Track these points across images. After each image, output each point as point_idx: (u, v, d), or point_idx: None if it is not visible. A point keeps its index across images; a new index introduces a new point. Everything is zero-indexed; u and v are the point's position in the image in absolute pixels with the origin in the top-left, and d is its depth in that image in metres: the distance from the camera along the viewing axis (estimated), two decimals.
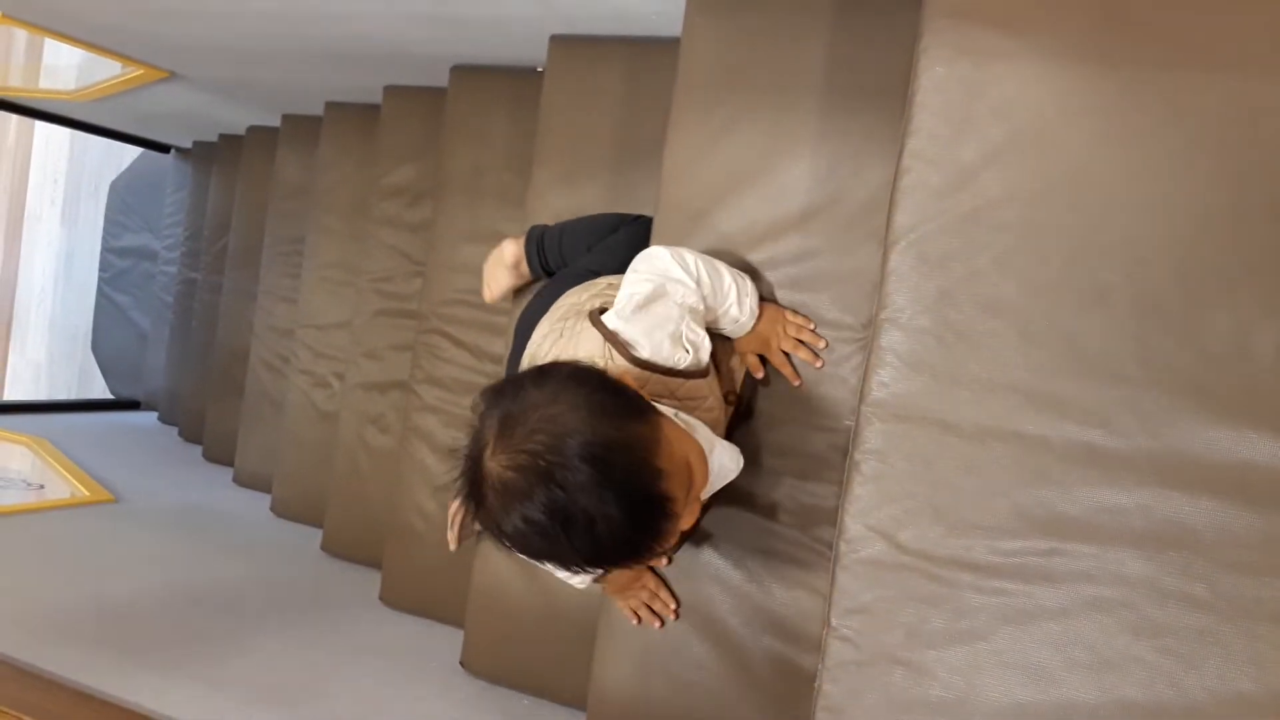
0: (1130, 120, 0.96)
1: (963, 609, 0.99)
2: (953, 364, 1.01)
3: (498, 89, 1.86)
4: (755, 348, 1.20)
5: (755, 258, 1.26)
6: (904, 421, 1.03)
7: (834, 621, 1.04)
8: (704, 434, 1.04)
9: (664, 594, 1.27)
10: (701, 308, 1.10)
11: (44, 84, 2.95)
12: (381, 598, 1.97)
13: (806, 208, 1.25)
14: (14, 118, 3.96)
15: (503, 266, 1.53)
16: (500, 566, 1.60)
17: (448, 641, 1.75)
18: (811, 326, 1.20)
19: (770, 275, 1.25)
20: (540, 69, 1.70)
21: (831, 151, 1.24)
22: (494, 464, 0.87)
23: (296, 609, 1.94)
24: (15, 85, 2.96)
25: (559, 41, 1.62)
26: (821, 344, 1.20)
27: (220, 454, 2.95)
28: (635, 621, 1.28)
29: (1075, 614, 0.95)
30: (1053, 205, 0.98)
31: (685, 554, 1.28)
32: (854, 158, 1.23)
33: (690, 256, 1.12)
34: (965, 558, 0.99)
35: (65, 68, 2.77)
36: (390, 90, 2.18)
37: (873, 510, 1.03)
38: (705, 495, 1.03)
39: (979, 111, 1.01)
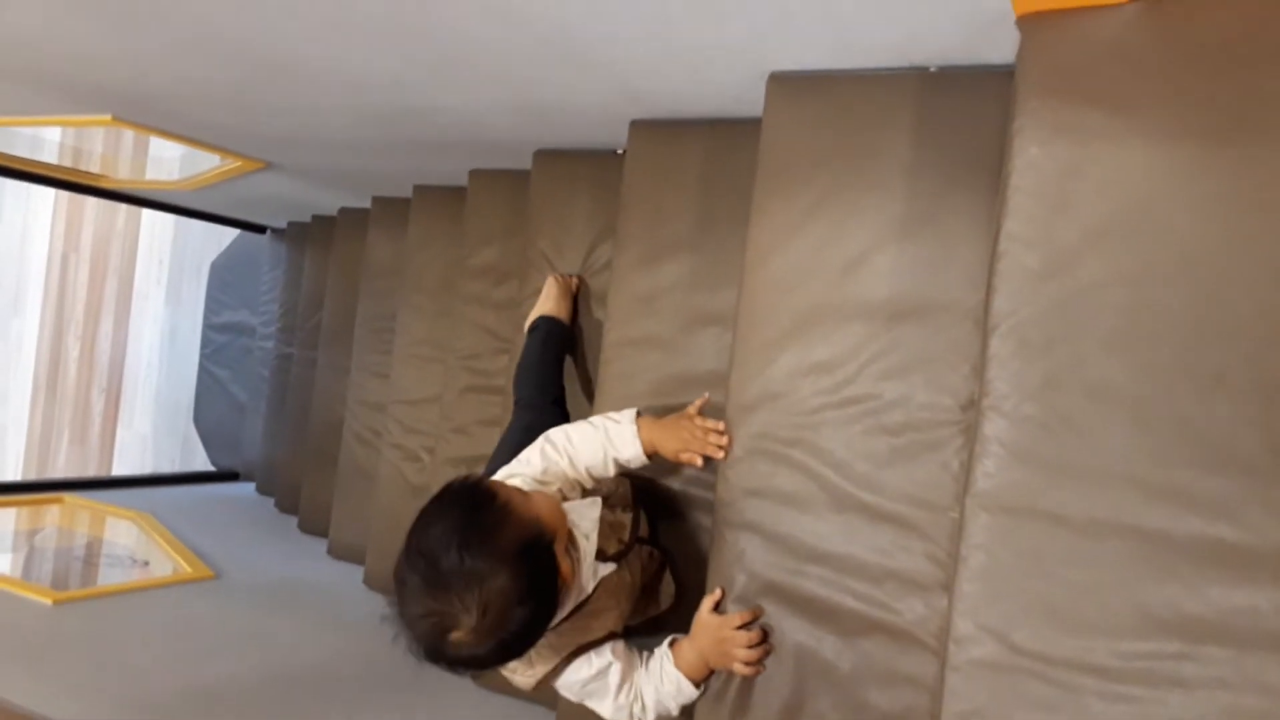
0: (1244, 196, 0.91)
1: (1085, 715, 0.93)
2: (1062, 453, 0.97)
3: (579, 171, 1.88)
4: (672, 456, 1.34)
5: (843, 338, 1.24)
6: (1012, 514, 0.98)
7: None
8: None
9: (754, 638, 1.26)
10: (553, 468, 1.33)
11: (150, 175, 3.10)
12: (474, 678, 1.96)
13: (896, 287, 1.22)
14: (123, 206, 4.17)
15: None
16: None
17: None
18: (693, 411, 1.37)
19: (859, 357, 1.23)
20: (621, 151, 1.72)
21: (920, 231, 1.22)
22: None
23: (392, 688, 1.94)
24: (125, 178, 3.11)
25: (639, 125, 1.63)
26: (724, 441, 1.32)
27: (315, 525, 3.00)
28: (754, 669, 1.27)
29: None
30: (1162, 286, 0.94)
31: (786, 643, 1.24)
32: (944, 237, 1.20)
33: (544, 448, 1.34)
34: (1085, 660, 0.94)
35: (169, 160, 2.91)
36: (475, 174, 2.23)
37: (983, 608, 0.98)
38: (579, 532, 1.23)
39: (1078, 191, 0.97)
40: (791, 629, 1.24)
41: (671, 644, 1.32)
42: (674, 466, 1.47)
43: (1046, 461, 0.97)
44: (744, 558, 1.28)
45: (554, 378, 1.78)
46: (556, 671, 1.25)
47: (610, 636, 1.27)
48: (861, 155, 1.25)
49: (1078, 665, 0.94)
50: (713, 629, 1.28)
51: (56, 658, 1.89)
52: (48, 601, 2.12)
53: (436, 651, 1.06)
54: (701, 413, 1.38)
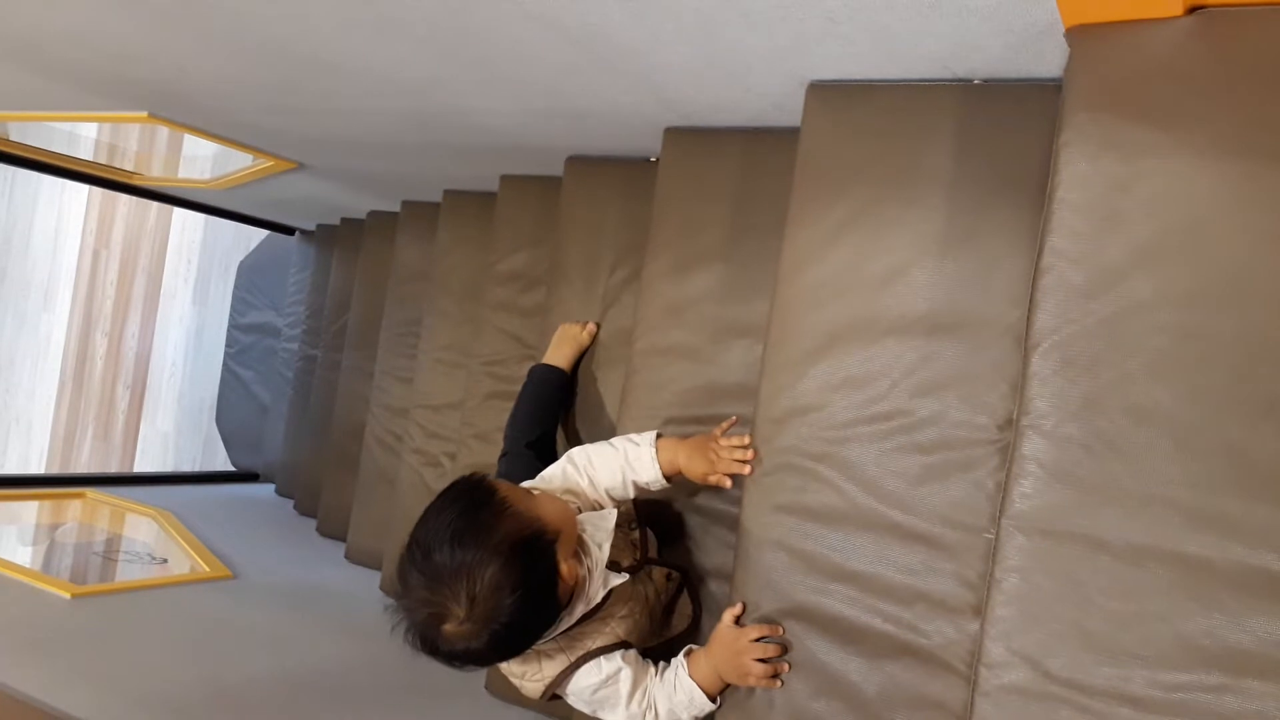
0: None
1: None
2: (1102, 476, 0.94)
3: (611, 178, 1.87)
4: (699, 479, 1.32)
5: (877, 353, 1.22)
6: (1049, 537, 0.96)
7: None
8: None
9: (770, 651, 1.23)
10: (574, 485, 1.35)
11: (182, 174, 3.12)
12: (487, 687, 1.94)
13: (934, 302, 1.20)
14: (154, 204, 4.21)
15: None
16: None
17: None
18: (719, 433, 1.35)
19: (892, 373, 1.21)
20: (654, 159, 1.71)
21: (960, 246, 1.19)
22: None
23: (404, 697, 1.92)
24: (157, 175, 3.14)
25: (673, 133, 1.62)
26: (749, 455, 1.29)
27: (334, 529, 2.99)
28: (768, 684, 1.24)
29: None
30: (1212, 307, 0.92)
31: (810, 663, 1.22)
32: (984, 252, 1.18)
33: (566, 467, 1.35)
34: (1122, 690, 0.91)
35: (202, 158, 2.93)
36: (506, 179, 2.22)
37: (1017, 633, 0.96)
38: (594, 537, 1.23)
39: (1126, 208, 0.95)
40: (816, 649, 1.22)
41: (688, 654, 1.30)
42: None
43: (1086, 484, 0.95)
44: (768, 574, 1.26)
45: (532, 424, 1.78)
46: (564, 676, 1.23)
47: (622, 645, 1.25)
48: (901, 167, 1.23)
49: (1114, 695, 0.91)
50: (729, 640, 1.26)
51: (72, 651, 1.89)
52: (66, 595, 2.12)
53: (431, 643, 1.08)
54: (725, 433, 1.36)
